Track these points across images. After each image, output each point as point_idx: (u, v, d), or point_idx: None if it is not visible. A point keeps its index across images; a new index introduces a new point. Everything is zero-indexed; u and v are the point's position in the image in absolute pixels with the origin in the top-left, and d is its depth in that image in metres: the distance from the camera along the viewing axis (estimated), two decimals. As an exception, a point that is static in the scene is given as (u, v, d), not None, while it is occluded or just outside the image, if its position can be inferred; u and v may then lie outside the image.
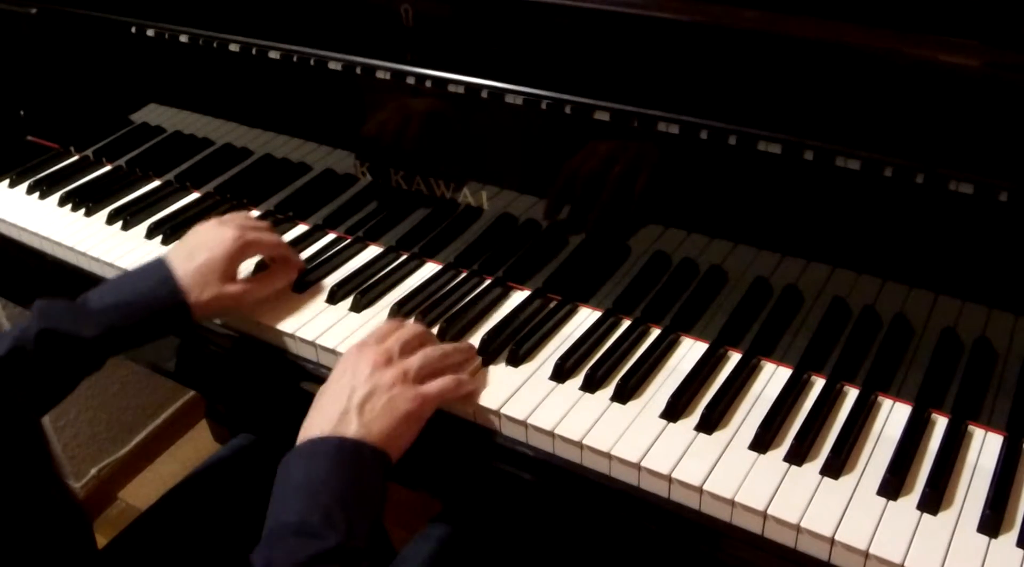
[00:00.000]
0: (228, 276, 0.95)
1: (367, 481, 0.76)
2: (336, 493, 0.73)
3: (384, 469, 0.78)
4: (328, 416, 0.79)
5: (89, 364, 0.91)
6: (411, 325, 0.91)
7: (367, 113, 1.03)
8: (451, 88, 0.93)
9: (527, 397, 0.87)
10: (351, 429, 0.78)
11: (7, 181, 1.31)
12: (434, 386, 0.83)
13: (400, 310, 0.99)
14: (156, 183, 1.29)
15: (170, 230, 1.15)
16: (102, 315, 0.89)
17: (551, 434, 0.83)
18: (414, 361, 0.84)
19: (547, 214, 0.96)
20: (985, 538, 0.72)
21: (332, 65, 1.00)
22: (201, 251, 0.95)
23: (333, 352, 0.95)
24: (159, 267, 0.94)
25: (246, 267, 1.03)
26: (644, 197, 0.90)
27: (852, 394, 0.86)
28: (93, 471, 1.85)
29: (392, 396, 0.80)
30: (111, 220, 1.19)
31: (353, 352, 0.86)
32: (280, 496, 0.75)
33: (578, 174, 0.91)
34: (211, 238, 0.96)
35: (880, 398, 0.86)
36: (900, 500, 0.75)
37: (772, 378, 0.89)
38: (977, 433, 0.82)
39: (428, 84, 0.95)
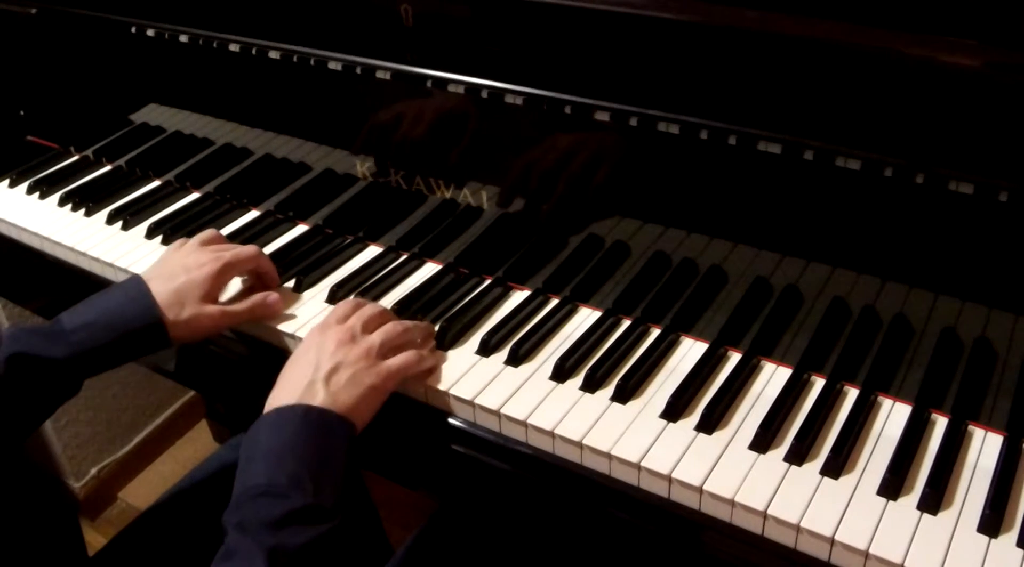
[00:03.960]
0: (209, 298, 0.93)
1: (332, 446, 0.77)
2: (302, 457, 0.75)
3: (349, 437, 0.79)
4: (294, 387, 0.81)
5: (64, 387, 0.88)
6: (371, 304, 0.92)
7: (367, 113, 1.03)
8: (451, 88, 0.93)
9: (527, 397, 0.87)
10: (317, 398, 0.80)
11: (7, 181, 1.31)
12: (396, 361, 0.86)
13: (400, 310, 0.98)
14: (156, 183, 1.29)
15: (170, 230, 1.15)
16: (74, 335, 0.86)
17: (551, 434, 0.83)
18: (376, 338, 0.86)
19: (546, 213, 0.96)
20: (985, 538, 0.72)
21: (332, 65, 1.00)
22: (179, 273, 0.93)
23: (333, 352, 0.95)
24: (135, 285, 0.91)
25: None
26: (644, 197, 0.90)
27: (852, 394, 0.86)
28: (93, 471, 1.85)
29: (356, 370, 0.82)
30: (111, 220, 1.19)
31: (316, 332, 0.87)
32: (247, 461, 0.77)
33: (577, 174, 0.91)
34: (190, 261, 0.95)
35: (880, 398, 0.86)
36: (900, 500, 0.75)
37: (772, 378, 0.89)
38: (977, 433, 0.82)
39: (428, 84, 0.95)
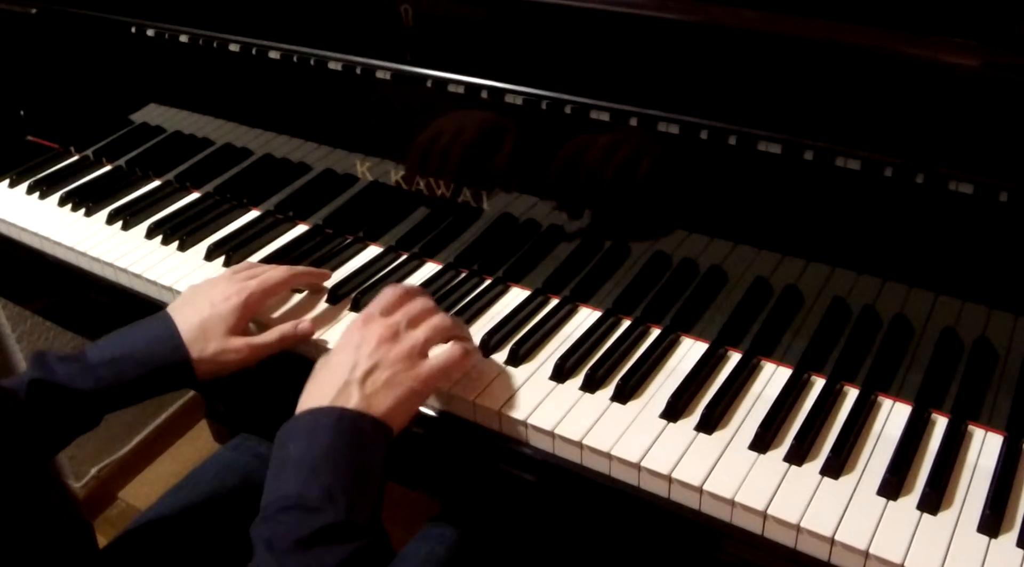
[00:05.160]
0: (235, 331, 0.90)
1: (368, 454, 0.74)
2: (336, 467, 0.72)
3: (385, 442, 0.76)
4: (328, 388, 0.77)
5: (84, 420, 0.87)
6: (420, 297, 0.87)
7: (367, 113, 1.03)
8: (451, 88, 0.93)
9: (527, 397, 0.87)
10: (352, 401, 0.76)
11: (7, 181, 1.31)
12: (439, 360, 0.81)
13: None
14: (156, 183, 1.29)
15: (170, 230, 1.15)
16: (100, 369, 0.85)
17: (551, 434, 0.83)
18: (420, 334, 0.82)
19: (547, 207, 0.96)
20: (985, 538, 0.72)
21: (332, 65, 1.00)
22: (204, 306, 0.91)
23: (333, 352, 0.95)
24: (162, 321, 0.90)
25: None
26: (644, 197, 0.90)
27: (852, 394, 0.86)
28: (93, 471, 1.85)
29: (396, 371, 0.79)
30: (111, 220, 1.19)
31: (358, 324, 0.83)
32: (278, 469, 0.74)
33: (577, 174, 0.91)
34: (215, 293, 0.92)
35: (880, 398, 0.86)
36: (900, 500, 0.75)
37: (772, 378, 0.89)
38: (977, 433, 0.82)
39: (428, 84, 0.95)
